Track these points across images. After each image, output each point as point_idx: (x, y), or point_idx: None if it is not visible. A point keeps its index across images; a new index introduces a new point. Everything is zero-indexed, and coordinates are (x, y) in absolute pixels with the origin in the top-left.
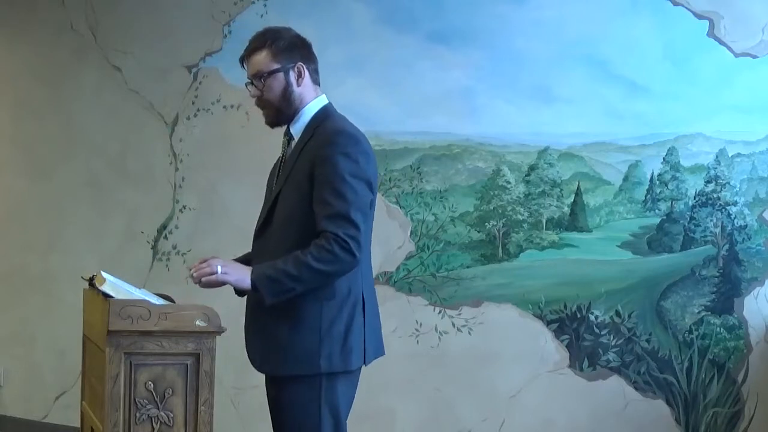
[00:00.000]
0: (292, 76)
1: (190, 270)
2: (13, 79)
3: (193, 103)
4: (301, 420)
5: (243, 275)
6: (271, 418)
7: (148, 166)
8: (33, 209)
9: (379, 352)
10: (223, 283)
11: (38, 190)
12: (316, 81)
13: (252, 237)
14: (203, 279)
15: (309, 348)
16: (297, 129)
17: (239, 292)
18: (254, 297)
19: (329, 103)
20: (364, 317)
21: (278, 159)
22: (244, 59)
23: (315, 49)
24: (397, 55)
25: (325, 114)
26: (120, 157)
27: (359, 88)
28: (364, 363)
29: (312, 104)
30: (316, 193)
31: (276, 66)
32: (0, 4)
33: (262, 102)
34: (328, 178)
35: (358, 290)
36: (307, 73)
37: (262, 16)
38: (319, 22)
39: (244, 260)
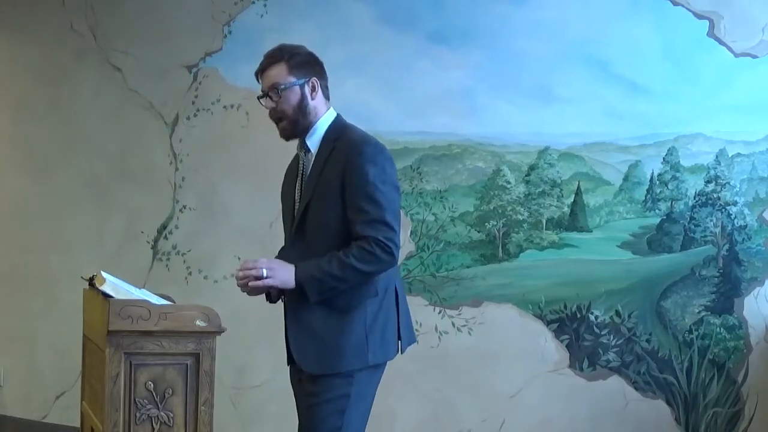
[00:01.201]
0: (307, 89)
1: (238, 272)
2: (13, 80)
3: (193, 103)
4: (334, 407)
5: (288, 277)
6: (300, 408)
7: (148, 166)
8: (33, 209)
9: (413, 339)
10: (267, 288)
11: (38, 190)
12: (327, 96)
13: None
14: (250, 284)
15: (358, 344)
16: (314, 142)
17: (269, 296)
18: (296, 301)
19: (339, 115)
20: (398, 310)
21: (294, 171)
22: (259, 73)
23: (315, 49)
24: (397, 55)
25: (340, 126)
26: (120, 157)
27: (359, 88)
28: (401, 351)
29: (325, 117)
30: (350, 201)
31: (292, 79)
32: (1, 5)
33: (277, 114)
34: (360, 186)
35: (392, 285)
36: (320, 88)
37: (262, 16)
38: (320, 22)
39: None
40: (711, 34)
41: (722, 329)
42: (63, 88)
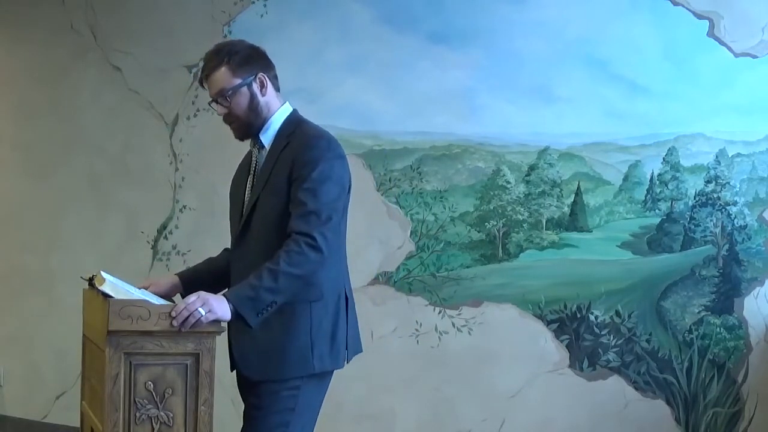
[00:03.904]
0: (255, 87)
1: (172, 317)
2: (13, 80)
3: (193, 103)
4: (277, 420)
5: (224, 307)
6: (244, 417)
7: (148, 166)
8: (33, 209)
9: (359, 349)
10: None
11: (38, 190)
12: (277, 88)
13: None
14: (189, 328)
15: (302, 349)
16: (268, 137)
17: None
18: None
19: (295, 110)
20: (347, 315)
21: (246, 167)
22: (203, 80)
23: (315, 50)
24: (397, 55)
25: (295, 121)
26: (120, 157)
27: (359, 88)
28: (347, 360)
29: (279, 112)
30: (293, 196)
31: (238, 81)
32: (0, 4)
33: (230, 118)
34: (304, 180)
35: (341, 289)
36: (268, 81)
37: (262, 16)
38: (319, 22)
39: (199, 278)
40: (711, 34)
41: (722, 329)
42: (63, 88)
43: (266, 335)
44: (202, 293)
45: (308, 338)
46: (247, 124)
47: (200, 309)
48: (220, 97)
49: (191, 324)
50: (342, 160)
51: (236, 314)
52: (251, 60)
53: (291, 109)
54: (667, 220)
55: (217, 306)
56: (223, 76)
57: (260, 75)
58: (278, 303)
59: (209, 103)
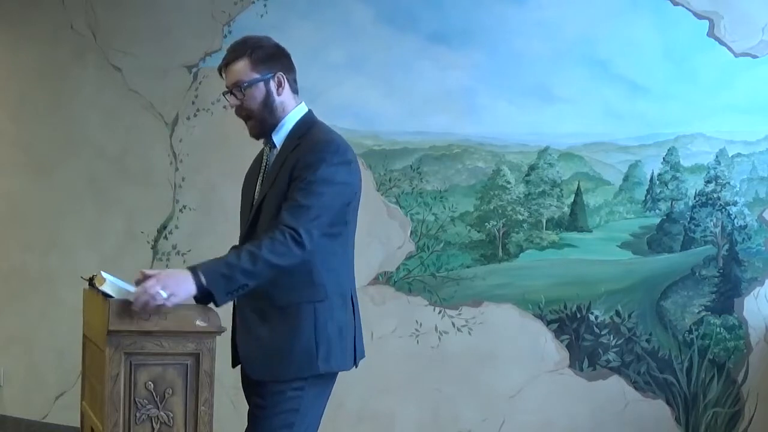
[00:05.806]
0: (273, 85)
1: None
2: (13, 79)
3: (193, 103)
4: (281, 421)
5: (187, 285)
6: (248, 415)
7: (148, 166)
8: (33, 209)
9: (362, 353)
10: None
11: (38, 190)
12: (295, 90)
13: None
14: (149, 310)
15: (307, 350)
16: (279, 138)
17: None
18: (244, 305)
19: (310, 111)
20: (354, 318)
21: (257, 167)
22: (222, 68)
23: (315, 49)
24: (397, 55)
25: (308, 122)
26: (120, 157)
27: (359, 88)
28: (355, 365)
29: (293, 113)
30: (289, 193)
31: (256, 75)
32: (0, 4)
33: (242, 111)
34: (302, 180)
35: (347, 291)
36: (286, 82)
37: (262, 16)
38: (319, 22)
39: None
40: (711, 34)
41: (722, 329)
42: (63, 88)
43: (271, 336)
44: (161, 274)
45: (313, 339)
46: (261, 120)
47: (161, 292)
48: (236, 88)
49: (153, 308)
50: (348, 165)
51: (205, 290)
52: (273, 58)
53: (306, 110)
54: (667, 220)
55: (177, 287)
56: (242, 68)
57: (279, 74)
58: (249, 287)
59: (223, 94)
